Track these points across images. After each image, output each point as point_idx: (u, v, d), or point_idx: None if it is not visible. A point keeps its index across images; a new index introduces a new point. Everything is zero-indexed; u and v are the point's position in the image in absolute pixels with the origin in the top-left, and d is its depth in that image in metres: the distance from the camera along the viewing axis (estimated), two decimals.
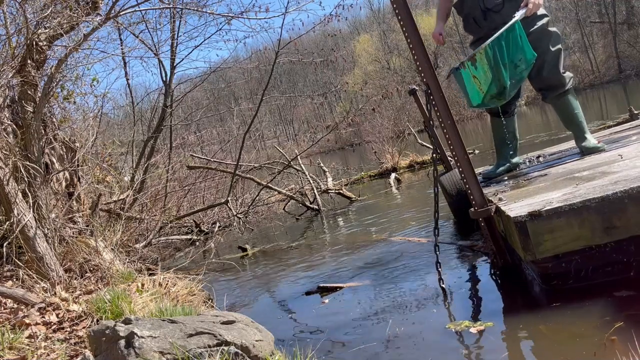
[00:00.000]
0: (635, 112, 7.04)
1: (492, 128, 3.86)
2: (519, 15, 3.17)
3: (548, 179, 3.14)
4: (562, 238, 2.35)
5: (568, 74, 3.50)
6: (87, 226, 4.54)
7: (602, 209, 2.30)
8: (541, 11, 3.44)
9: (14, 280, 3.60)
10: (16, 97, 4.25)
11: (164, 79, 7.99)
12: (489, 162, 5.15)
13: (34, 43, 4.10)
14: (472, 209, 2.88)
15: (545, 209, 2.36)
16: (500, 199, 2.90)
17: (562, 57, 3.48)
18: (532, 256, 2.40)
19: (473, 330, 2.33)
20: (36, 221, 3.69)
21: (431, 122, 3.03)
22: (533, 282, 2.71)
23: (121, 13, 4.87)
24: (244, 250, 5.94)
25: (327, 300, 3.34)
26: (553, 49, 3.42)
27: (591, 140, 3.56)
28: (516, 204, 2.65)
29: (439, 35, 3.59)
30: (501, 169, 3.81)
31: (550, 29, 3.44)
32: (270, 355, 2.19)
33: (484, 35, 3.56)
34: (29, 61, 4.11)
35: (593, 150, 3.48)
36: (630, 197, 2.28)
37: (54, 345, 2.56)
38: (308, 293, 3.58)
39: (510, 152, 3.82)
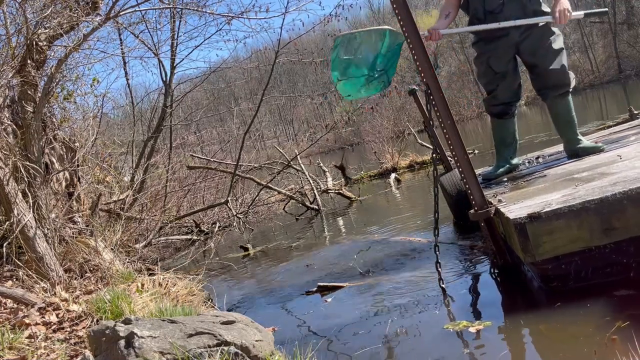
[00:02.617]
0: (635, 112, 7.04)
1: (492, 129, 3.86)
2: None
3: (547, 180, 3.14)
4: (561, 239, 2.35)
5: (572, 74, 3.50)
6: (87, 226, 4.54)
7: (601, 211, 2.30)
8: (545, 8, 3.44)
9: (14, 280, 3.60)
10: (16, 97, 4.25)
11: (164, 79, 8.00)
12: (488, 163, 5.14)
13: (34, 43, 4.10)
14: (471, 211, 2.88)
15: (544, 210, 2.36)
16: (499, 201, 2.89)
17: (566, 57, 3.48)
18: (531, 258, 2.40)
19: (472, 329, 2.34)
20: (36, 221, 3.69)
21: (431, 122, 3.03)
22: (533, 282, 2.71)
23: (121, 13, 4.88)
24: (246, 249, 5.94)
25: (327, 300, 3.34)
26: (556, 48, 3.42)
27: (585, 141, 3.56)
28: (515, 206, 2.65)
29: (434, 30, 3.46)
30: (501, 170, 3.80)
31: (553, 28, 3.45)
32: (270, 355, 2.20)
33: (484, 37, 3.57)
34: (29, 61, 4.11)
35: (592, 150, 3.47)
36: (629, 198, 2.28)
37: (54, 345, 2.57)
38: (308, 292, 3.59)
39: (510, 153, 3.82)
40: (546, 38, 3.42)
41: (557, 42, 3.44)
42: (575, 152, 3.57)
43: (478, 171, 4.16)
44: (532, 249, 2.37)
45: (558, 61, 3.43)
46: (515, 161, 3.85)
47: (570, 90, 3.50)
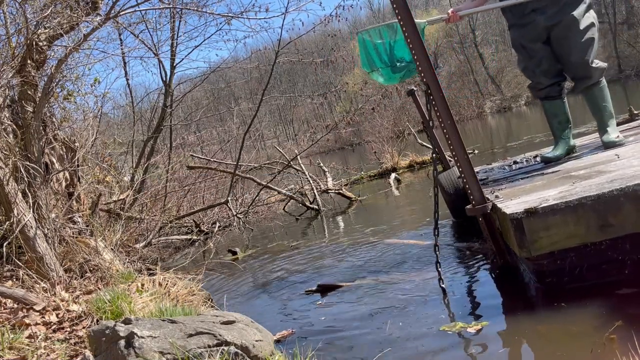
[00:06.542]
0: (635, 112, 7.03)
1: (544, 112, 3.72)
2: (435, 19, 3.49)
3: (545, 177, 3.16)
4: (557, 235, 2.35)
5: (600, 65, 3.41)
6: (87, 226, 4.54)
7: (598, 207, 2.30)
8: None
9: (14, 280, 3.60)
10: (16, 97, 4.25)
11: (164, 79, 8.02)
12: (488, 162, 5.15)
13: (34, 43, 4.10)
14: (469, 206, 2.88)
15: (541, 206, 2.37)
16: (497, 197, 2.91)
17: (594, 47, 3.38)
18: (527, 253, 2.40)
19: (470, 329, 2.34)
20: (36, 221, 3.69)
21: (431, 122, 3.03)
22: (531, 282, 2.72)
23: (121, 13, 4.88)
24: (234, 253, 5.85)
25: (326, 300, 3.35)
26: (583, 40, 3.33)
27: (612, 134, 3.51)
28: (512, 202, 2.66)
29: (453, 12, 3.47)
30: (560, 151, 3.67)
31: (586, 16, 3.35)
32: (270, 355, 2.20)
33: (516, 23, 3.49)
34: (29, 61, 4.11)
35: (611, 144, 3.45)
36: (626, 195, 2.28)
37: (54, 345, 2.57)
38: (308, 292, 3.59)
39: (567, 133, 3.68)
40: (574, 28, 3.32)
41: (588, 34, 3.34)
42: (603, 143, 3.55)
43: (477, 168, 4.17)
44: (528, 244, 2.37)
45: (581, 55, 3.34)
46: (573, 142, 3.73)
47: (596, 82, 3.43)
